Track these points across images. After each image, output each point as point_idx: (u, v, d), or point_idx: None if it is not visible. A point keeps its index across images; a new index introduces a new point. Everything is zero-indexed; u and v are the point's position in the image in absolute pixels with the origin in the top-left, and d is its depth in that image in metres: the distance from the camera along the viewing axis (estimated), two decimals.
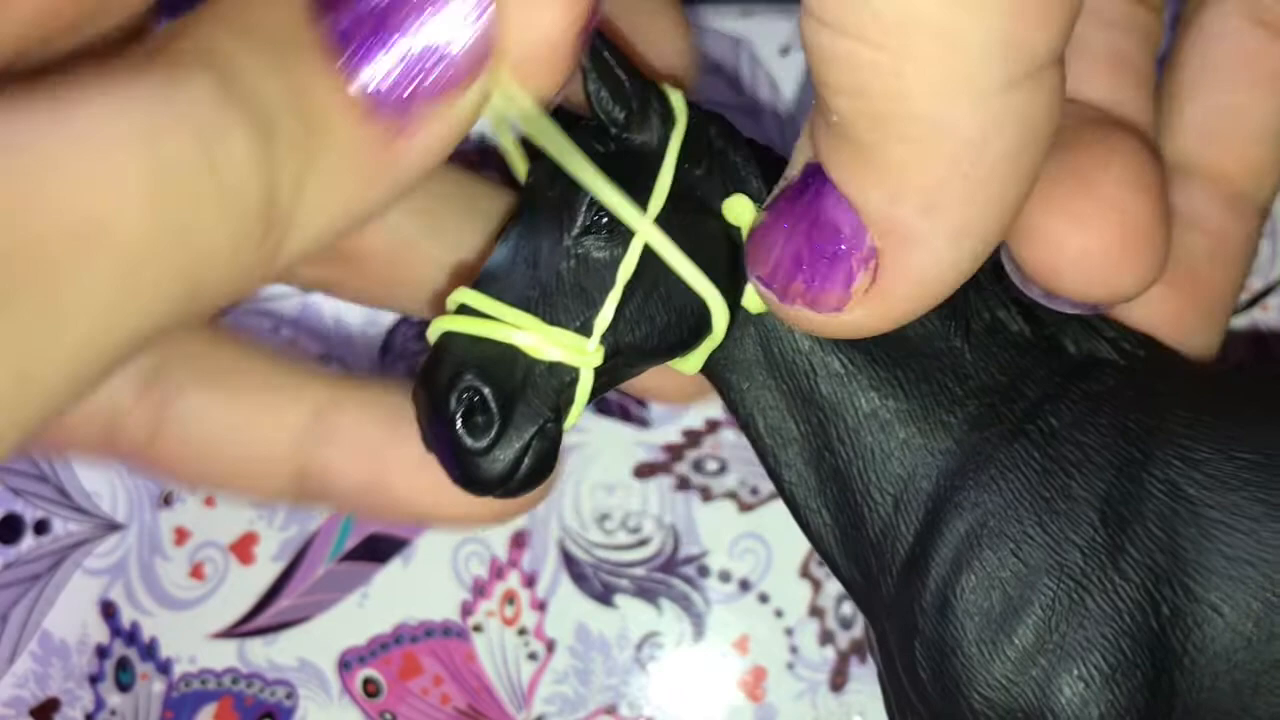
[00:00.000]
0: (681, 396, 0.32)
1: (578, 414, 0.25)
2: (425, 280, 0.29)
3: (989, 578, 0.25)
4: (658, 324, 0.25)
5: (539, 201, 0.25)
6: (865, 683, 0.39)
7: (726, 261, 0.25)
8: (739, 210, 0.26)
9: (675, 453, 0.40)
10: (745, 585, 0.40)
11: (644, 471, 0.40)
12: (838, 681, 0.40)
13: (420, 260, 0.29)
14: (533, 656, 0.40)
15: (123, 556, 0.41)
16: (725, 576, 0.40)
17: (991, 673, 0.25)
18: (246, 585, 0.41)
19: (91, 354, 0.17)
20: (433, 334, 0.24)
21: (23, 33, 0.19)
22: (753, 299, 0.26)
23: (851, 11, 0.19)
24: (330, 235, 0.19)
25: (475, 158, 0.40)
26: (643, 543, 0.40)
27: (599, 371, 0.24)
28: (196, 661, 0.40)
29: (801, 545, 0.39)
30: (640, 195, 0.24)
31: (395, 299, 0.31)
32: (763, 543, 0.40)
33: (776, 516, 0.39)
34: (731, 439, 0.40)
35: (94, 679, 0.41)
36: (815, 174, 0.22)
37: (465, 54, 0.19)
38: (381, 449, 0.28)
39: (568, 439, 0.40)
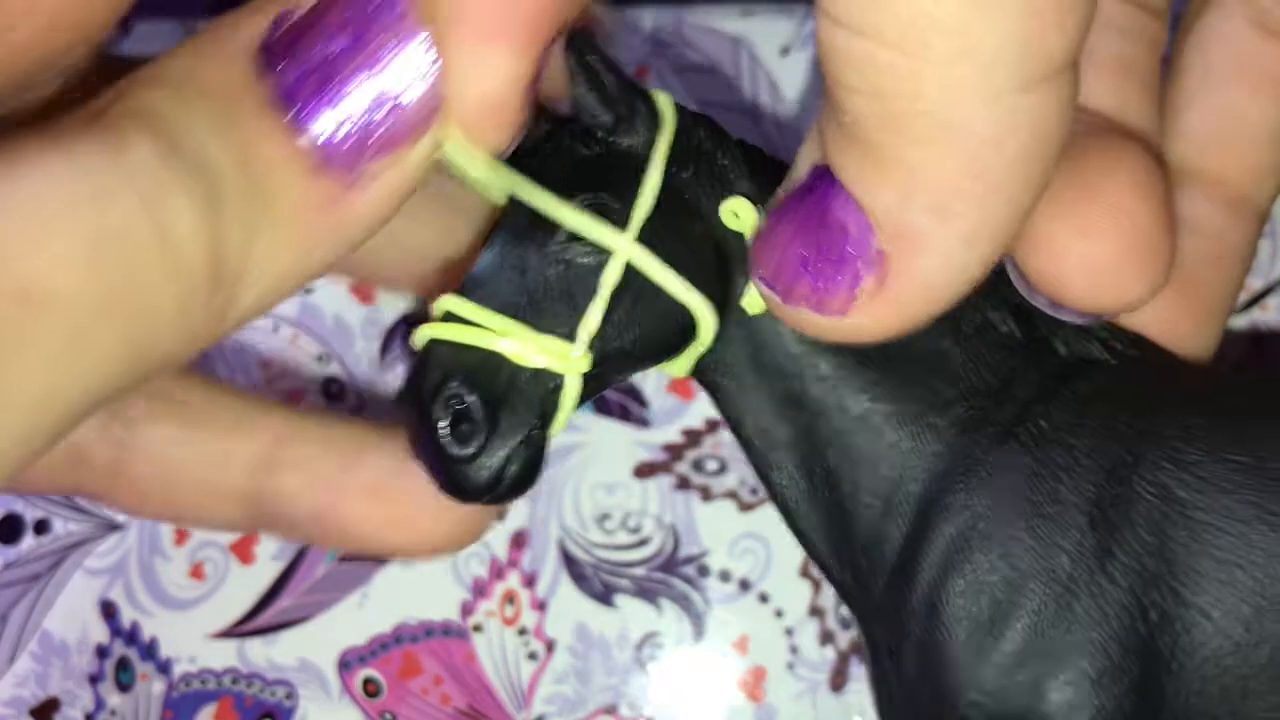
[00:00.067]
0: None
1: (564, 420, 0.24)
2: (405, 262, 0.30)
3: (978, 582, 0.25)
4: (644, 330, 0.25)
5: (525, 207, 0.25)
6: (865, 683, 0.39)
7: (714, 265, 0.25)
8: (739, 212, 0.26)
9: (675, 452, 0.40)
10: (745, 585, 0.40)
11: (644, 471, 0.40)
12: (838, 681, 0.39)
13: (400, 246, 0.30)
14: (533, 656, 0.40)
15: (123, 556, 0.41)
16: (725, 576, 0.40)
17: (980, 677, 0.25)
18: (246, 585, 0.41)
19: (39, 417, 0.17)
20: (418, 341, 0.24)
21: None
22: (753, 300, 0.26)
23: (869, 12, 0.19)
24: (283, 291, 0.19)
25: None
26: (643, 542, 0.40)
27: (586, 378, 0.24)
28: (196, 661, 0.41)
29: None
30: (627, 199, 0.24)
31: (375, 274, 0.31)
32: (763, 542, 0.40)
33: (776, 516, 0.39)
34: (731, 439, 0.40)
35: (94, 679, 0.41)
36: (822, 175, 0.22)
37: (414, 107, 0.19)
38: (336, 480, 0.28)
39: (568, 439, 0.40)
